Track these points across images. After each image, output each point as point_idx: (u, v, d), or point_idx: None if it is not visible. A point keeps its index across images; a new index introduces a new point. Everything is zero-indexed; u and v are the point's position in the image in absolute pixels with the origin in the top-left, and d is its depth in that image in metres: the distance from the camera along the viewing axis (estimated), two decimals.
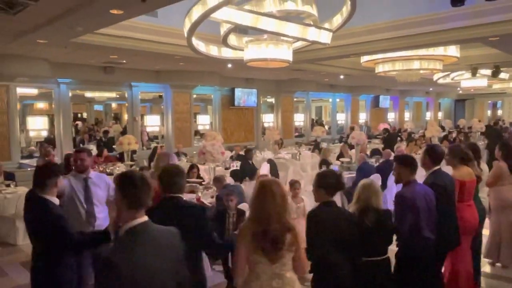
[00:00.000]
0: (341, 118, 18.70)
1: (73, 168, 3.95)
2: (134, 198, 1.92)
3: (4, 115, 8.59)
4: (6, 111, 8.61)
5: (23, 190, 6.72)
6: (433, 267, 3.34)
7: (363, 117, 19.60)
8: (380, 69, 9.79)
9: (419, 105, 23.77)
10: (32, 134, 9.76)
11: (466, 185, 3.82)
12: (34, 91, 11.77)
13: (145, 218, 1.95)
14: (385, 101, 19.91)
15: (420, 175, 3.41)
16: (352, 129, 13.52)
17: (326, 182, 2.88)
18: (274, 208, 2.33)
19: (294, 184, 5.18)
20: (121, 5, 4.59)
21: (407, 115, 22.61)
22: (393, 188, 6.75)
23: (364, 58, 9.47)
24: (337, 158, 9.65)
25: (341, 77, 13.34)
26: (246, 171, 7.21)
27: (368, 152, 10.67)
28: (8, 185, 6.84)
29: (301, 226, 4.38)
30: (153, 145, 12.36)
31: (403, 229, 3.14)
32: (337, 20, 6.37)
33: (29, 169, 8.66)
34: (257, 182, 2.52)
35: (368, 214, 3.07)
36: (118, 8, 4.66)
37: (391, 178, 7.30)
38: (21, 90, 9.83)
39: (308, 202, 5.09)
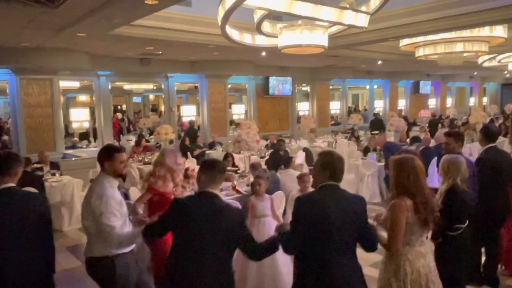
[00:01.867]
0: (379, 105, 18.18)
1: None
2: None
3: (48, 108, 8.97)
4: (51, 103, 8.98)
5: (67, 179, 7.03)
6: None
7: (402, 103, 18.97)
8: (420, 52, 9.38)
9: (462, 90, 22.70)
10: (75, 125, 10.13)
11: None
12: (76, 84, 12.23)
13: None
14: (425, 86, 19.17)
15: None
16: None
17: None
18: (425, 181, 2.64)
19: (303, 177, 4.67)
20: None
21: (449, 101, 21.66)
22: (434, 176, 6.50)
23: (403, 42, 9.09)
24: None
25: (379, 62, 12.94)
26: (277, 161, 7.13)
27: (408, 140, 10.33)
28: (53, 174, 7.15)
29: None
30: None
31: None
32: (375, 2, 6.13)
33: (73, 159, 9.03)
34: (399, 160, 2.70)
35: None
36: None
37: (432, 165, 7.04)
38: (64, 84, 10.23)
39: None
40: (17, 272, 2.63)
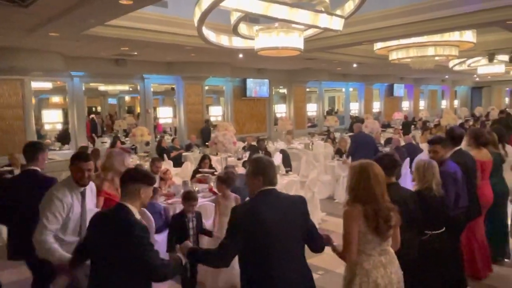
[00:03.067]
0: (355, 107, 18.49)
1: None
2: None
3: (19, 109, 8.71)
4: (22, 105, 8.72)
5: None
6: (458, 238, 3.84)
7: (377, 106, 19.36)
8: (394, 56, 9.61)
9: (434, 93, 23.37)
10: (47, 127, 9.88)
11: (485, 165, 4.30)
12: (49, 85, 11.93)
13: None
14: (399, 89, 19.63)
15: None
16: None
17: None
18: (380, 188, 2.50)
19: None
20: None
21: (422, 104, 22.25)
22: (407, 177, 6.68)
23: (377, 45, 9.30)
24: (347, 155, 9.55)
25: (354, 65, 13.17)
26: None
27: (382, 141, 10.56)
28: None
29: None
30: (166, 137, 12.43)
31: (449, 200, 3.55)
32: (350, 6, 6.25)
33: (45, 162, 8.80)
34: (355, 165, 2.64)
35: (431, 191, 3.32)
36: None
37: (405, 166, 7.22)
38: (36, 85, 9.96)
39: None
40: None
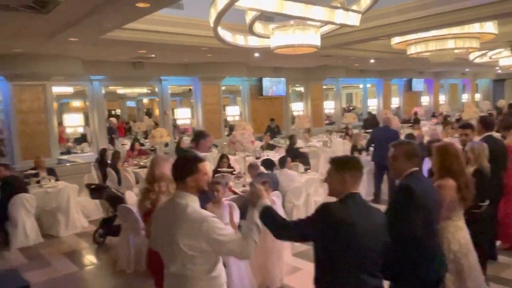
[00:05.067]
0: (373, 103, 18.26)
1: None
2: None
3: (42, 114, 8.92)
4: (44, 109, 8.94)
5: (63, 184, 7.01)
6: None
7: (395, 102, 19.07)
8: (412, 50, 9.44)
9: (454, 87, 22.85)
10: (69, 131, 10.09)
11: None
12: (70, 90, 12.18)
13: None
14: (418, 84, 19.28)
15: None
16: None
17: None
18: (462, 164, 3.03)
19: (263, 184, 4.19)
20: None
21: (442, 98, 21.80)
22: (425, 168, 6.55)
23: (395, 40, 9.16)
24: (368, 144, 9.44)
25: (372, 61, 13.01)
26: (294, 155, 7.19)
27: (402, 137, 10.38)
28: (49, 180, 7.12)
29: None
30: (185, 138, 12.53)
31: None
32: (366, 1, 6.18)
33: (67, 164, 9.00)
34: (441, 146, 3.10)
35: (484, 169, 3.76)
36: (144, 1, 4.70)
37: (426, 162, 7.08)
38: (57, 89, 10.19)
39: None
40: None
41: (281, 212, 4.72)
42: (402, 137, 10.05)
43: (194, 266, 2.19)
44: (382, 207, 2.55)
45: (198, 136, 4.53)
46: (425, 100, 20.74)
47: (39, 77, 8.63)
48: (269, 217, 2.26)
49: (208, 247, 2.16)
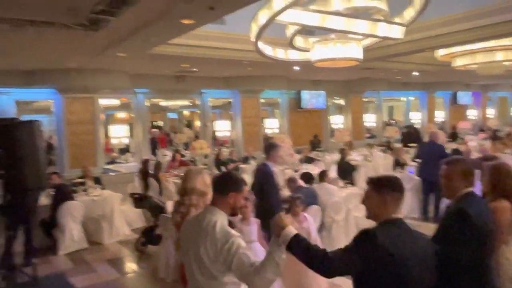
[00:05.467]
0: (416, 117, 17.70)
1: None
2: None
3: (90, 125, 9.37)
4: (92, 121, 9.39)
5: (108, 193, 7.28)
6: None
7: (440, 115, 18.39)
8: (458, 63, 9.13)
9: (504, 100, 21.73)
10: (114, 141, 10.51)
11: None
12: (116, 102, 12.71)
13: None
14: (465, 97, 18.52)
15: None
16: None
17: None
18: None
19: (294, 200, 4.35)
20: (191, 15, 4.77)
21: (490, 112, 20.79)
22: (477, 188, 6.24)
23: (440, 52, 8.89)
24: (414, 159, 9.15)
25: (415, 73, 12.67)
26: (344, 170, 7.04)
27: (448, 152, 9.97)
28: (95, 189, 7.43)
29: None
30: (224, 150, 12.70)
31: None
32: (410, 13, 6.07)
33: (112, 173, 9.35)
34: (494, 165, 2.89)
35: None
36: (188, 17, 4.86)
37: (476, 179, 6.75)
38: (104, 102, 10.67)
39: (312, 220, 4.48)
40: None
41: (316, 226, 4.54)
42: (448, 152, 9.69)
43: (216, 281, 2.16)
44: (430, 226, 2.42)
45: (269, 148, 4.66)
46: (472, 113, 19.85)
47: (88, 90, 9.10)
48: (300, 248, 1.98)
49: (225, 264, 2.10)
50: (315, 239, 4.30)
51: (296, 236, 1.99)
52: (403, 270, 1.89)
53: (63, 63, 7.73)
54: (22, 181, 3.96)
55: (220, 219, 2.23)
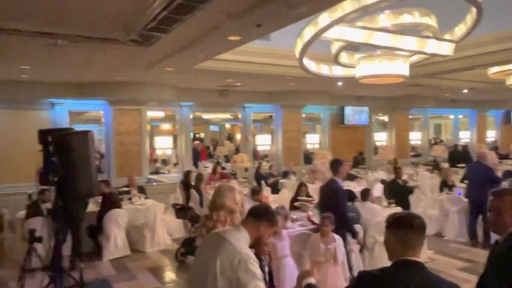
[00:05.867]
0: (465, 136, 16.95)
1: None
2: None
3: (136, 136, 9.74)
4: (139, 131, 9.75)
5: (151, 202, 7.48)
6: None
7: (491, 135, 17.50)
8: None
9: None
10: (159, 152, 10.83)
11: None
12: (160, 114, 13.15)
13: None
14: None
15: None
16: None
17: None
18: None
19: (324, 220, 4.26)
20: (238, 31, 4.89)
21: None
22: None
23: (492, 70, 8.51)
24: (462, 180, 8.73)
25: (465, 91, 12.17)
26: (395, 191, 6.87)
27: (499, 174, 9.44)
28: (139, 197, 7.65)
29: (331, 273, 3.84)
30: (264, 164, 12.72)
31: None
32: (461, 29, 5.88)
33: (155, 184, 9.61)
34: None
35: None
36: (235, 34, 4.97)
37: None
38: (150, 113, 11.07)
39: (341, 242, 4.28)
40: None
41: (339, 254, 4.27)
42: (499, 174, 9.19)
43: None
44: (479, 252, 2.24)
45: (336, 164, 4.85)
46: None
47: (136, 102, 9.49)
48: None
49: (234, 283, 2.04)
50: (342, 262, 4.17)
51: (310, 285, 2.06)
52: None
53: (114, 76, 8.12)
54: (74, 189, 4.15)
55: (245, 239, 2.20)
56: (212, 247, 2.19)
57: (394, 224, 1.85)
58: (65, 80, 8.57)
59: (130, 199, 7.54)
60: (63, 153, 4.06)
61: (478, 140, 16.08)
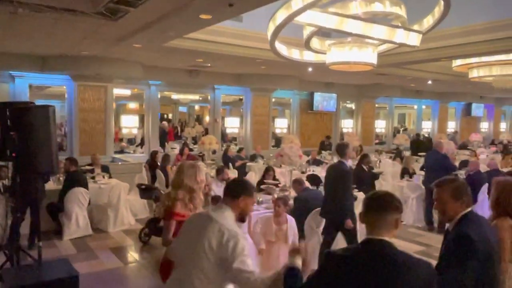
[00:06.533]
0: (427, 126, 17.59)
1: None
2: None
3: (102, 113, 9.45)
4: (104, 109, 9.46)
5: (115, 182, 7.33)
6: None
7: (452, 125, 18.25)
8: (474, 74, 9.04)
9: None
10: (125, 131, 10.58)
11: None
12: (127, 92, 12.80)
13: None
14: (478, 109, 18.37)
15: None
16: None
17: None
18: None
19: (277, 201, 4.37)
20: (210, 10, 4.79)
21: (503, 126, 20.56)
22: (485, 203, 6.18)
23: (456, 62, 8.81)
24: (422, 168, 9.08)
25: (429, 82, 12.57)
26: (360, 178, 6.89)
27: (457, 164, 9.89)
28: (103, 177, 7.49)
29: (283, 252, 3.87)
30: (232, 147, 12.71)
31: None
32: (428, 21, 6.02)
33: (120, 163, 9.41)
34: (501, 181, 2.79)
35: None
36: (207, 13, 4.87)
37: (483, 192, 6.70)
38: (116, 91, 10.74)
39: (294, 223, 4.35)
40: None
41: (291, 235, 4.29)
42: (456, 163, 9.62)
43: (206, 278, 2.14)
44: (435, 237, 2.33)
45: (342, 147, 5.01)
46: (484, 126, 19.67)
47: (102, 79, 9.17)
48: (290, 277, 2.01)
49: (225, 262, 2.09)
50: (294, 243, 4.10)
51: (293, 268, 2.04)
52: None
53: (79, 50, 7.79)
54: (33, 165, 4.00)
55: (230, 216, 2.27)
56: (199, 226, 2.23)
57: (364, 205, 1.89)
58: (26, 51, 8.14)
59: (93, 178, 7.37)
60: (22, 128, 3.89)
61: (439, 130, 16.72)
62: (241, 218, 2.34)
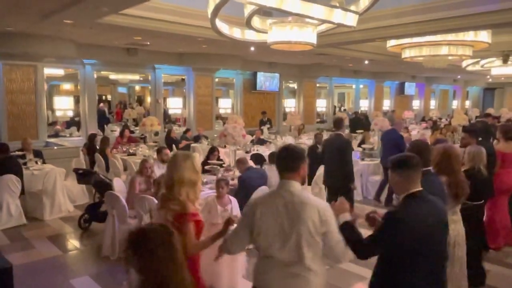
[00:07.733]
0: (365, 104, 18.40)
1: None
2: None
3: (32, 95, 8.81)
4: (34, 90, 8.82)
5: (50, 167, 6.94)
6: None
7: (387, 104, 19.24)
8: (406, 54, 9.51)
9: (445, 93, 23.15)
10: (58, 114, 9.99)
11: (507, 156, 5.02)
12: (60, 72, 12.02)
13: None
14: (410, 88, 19.49)
15: None
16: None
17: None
18: (458, 165, 3.39)
19: (219, 182, 4.31)
20: None
21: (433, 103, 22.05)
22: None
23: (390, 43, 9.22)
24: (359, 145, 9.53)
25: (366, 62, 13.09)
26: (315, 157, 6.95)
27: None
28: (36, 162, 7.05)
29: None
30: (175, 128, 12.47)
31: None
32: (364, 2, 6.20)
33: (55, 147, 8.90)
34: (440, 147, 3.42)
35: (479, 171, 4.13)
36: None
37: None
38: (48, 71, 10.06)
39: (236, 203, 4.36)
40: None
41: (236, 213, 4.15)
42: None
43: (309, 254, 2.15)
44: (383, 211, 2.41)
45: (339, 121, 5.78)
46: (416, 104, 20.96)
47: (31, 58, 8.51)
48: (347, 231, 2.25)
49: (321, 237, 2.15)
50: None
51: (347, 222, 2.30)
52: (423, 241, 2.17)
53: (3, 26, 7.14)
54: None
55: (302, 189, 2.26)
56: (290, 213, 2.16)
57: (397, 165, 2.30)
58: None
59: (25, 164, 6.91)
60: None
61: (375, 108, 17.57)
62: (303, 182, 2.32)
